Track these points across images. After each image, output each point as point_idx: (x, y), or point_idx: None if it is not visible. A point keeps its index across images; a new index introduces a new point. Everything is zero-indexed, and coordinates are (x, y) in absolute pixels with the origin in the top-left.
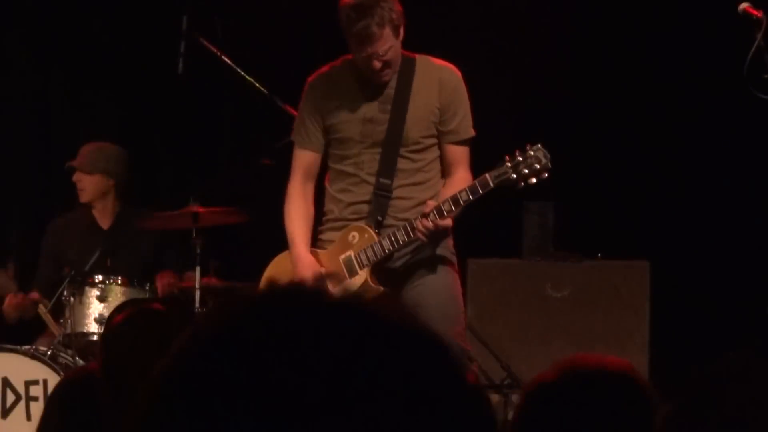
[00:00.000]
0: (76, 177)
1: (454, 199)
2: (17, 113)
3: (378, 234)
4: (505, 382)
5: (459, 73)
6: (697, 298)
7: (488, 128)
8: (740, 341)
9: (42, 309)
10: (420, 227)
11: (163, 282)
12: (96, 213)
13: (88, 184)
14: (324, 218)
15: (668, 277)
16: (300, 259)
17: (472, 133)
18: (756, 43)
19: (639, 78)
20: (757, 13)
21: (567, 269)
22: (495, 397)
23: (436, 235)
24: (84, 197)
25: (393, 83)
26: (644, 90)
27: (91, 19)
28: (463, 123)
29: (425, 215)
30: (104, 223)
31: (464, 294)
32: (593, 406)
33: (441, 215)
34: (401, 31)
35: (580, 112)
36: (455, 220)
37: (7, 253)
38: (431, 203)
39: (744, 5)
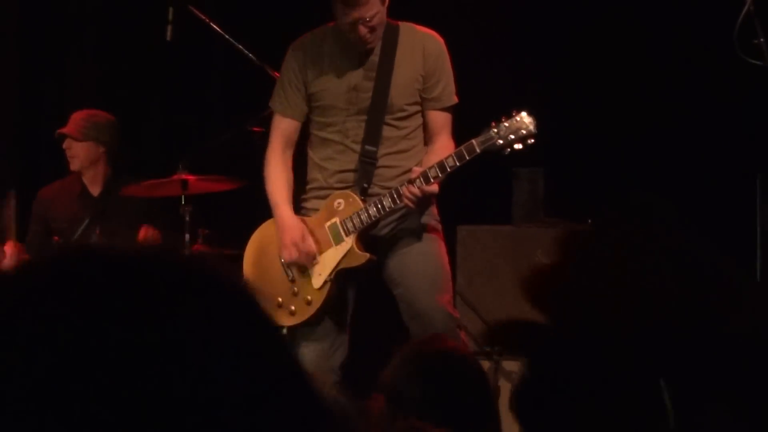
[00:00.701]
0: (67, 144)
1: (441, 165)
2: (3, 79)
3: (364, 201)
4: (495, 349)
5: (442, 41)
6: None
7: (475, 93)
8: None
9: None
10: (406, 193)
11: (145, 234)
12: (86, 180)
13: (78, 151)
14: (308, 186)
15: None
16: (285, 221)
17: (455, 100)
18: (746, 8)
19: (628, 44)
20: None
21: (557, 235)
22: (485, 364)
23: (423, 202)
24: (74, 165)
25: (377, 51)
26: (634, 55)
27: None
28: (447, 90)
29: (411, 181)
30: (94, 190)
31: (454, 261)
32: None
33: (427, 181)
34: None
35: (569, 77)
36: (441, 187)
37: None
38: (417, 169)
39: None
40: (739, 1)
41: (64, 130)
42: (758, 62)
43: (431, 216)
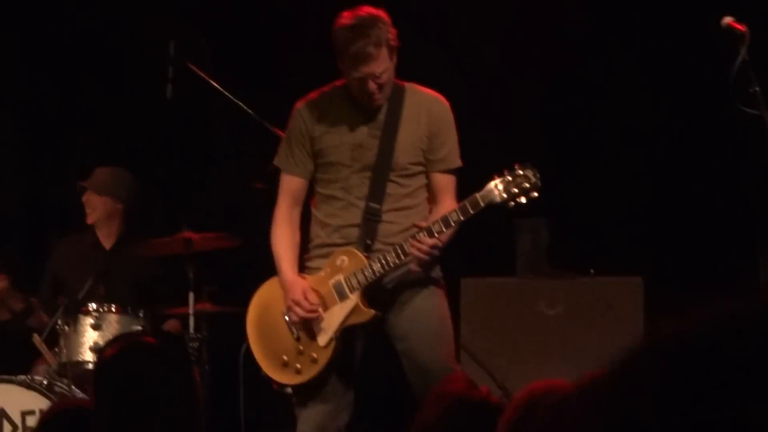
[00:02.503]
0: (86, 197)
1: (444, 220)
2: (11, 137)
3: (368, 257)
4: (502, 401)
5: (447, 104)
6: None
7: (478, 146)
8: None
9: (37, 338)
10: (410, 249)
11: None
12: (100, 234)
13: (97, 205)
14: (310, 244)
15: (662, 294)
16: (289, 283)
17: (459, 162)
18: (740, 58)
19: (627, 95)
20: (741, 28)
21: (561, 286)
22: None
23: (427, 257)
24: (91, 218)
25: (383, 110)
26: (633, 107)
27: (81, 45)
28: (451, 152)
29: (415, 236)
30: (107, 244)
31: (458, 313)
32: None
33: (431, 236)
34: (395, 54)
35: (573, 129)
36: (448, 244)
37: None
38: (421, 224)
39: (727, 20)
40: (733, 51)
41: (85, 183)
42: (754, 111)
43: (434, 270)
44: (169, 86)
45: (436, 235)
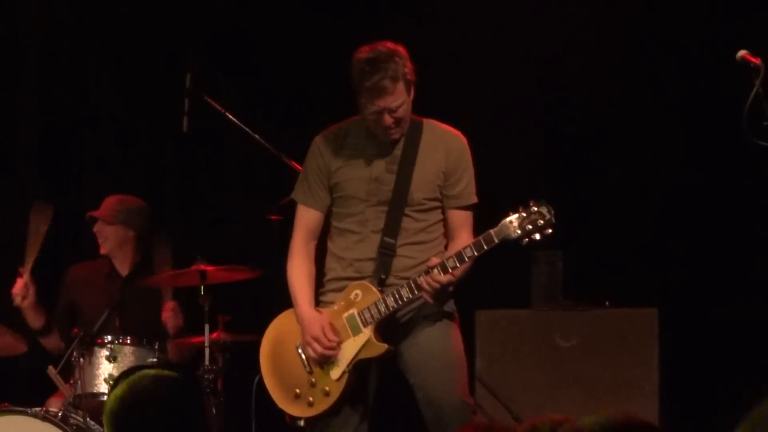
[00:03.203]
0: (97, 227)
1: (458, 256)
2: (24, 167)
3: (381, 291)
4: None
5: (465, 140)
6: (707, 345)
7: (493, 181)
8: (750, 388)
9: (52, 370)
10: (424, 284)
11: (169, 308)
12: (116, 263)
13: (108, 234)
14: (324, 278)
15: (677, 325)
16: (308, 319)
17: (475, 199)
18: (755, 90)
19: (642, 128)
20: (756, 60)
21: (575, 318)
22: None
23: (440, 292)
24: (104, 247)
25: (400, 144)
26: (647, 139)
27: (96, 78)
28: (468, 189)
29: (428, 271)
30: (123, 271)
31: (473, 345)
32: None
33: (445, 271)
34: (413, 89)
35: (587, 161)
36: (463, 279)
37: None
38: (435, 260)
39: (742, 52)
40: (747, 83)
41: (96, 214)
42: None
43: (447, 304)
44: (185, 119)
45: (450, 270)
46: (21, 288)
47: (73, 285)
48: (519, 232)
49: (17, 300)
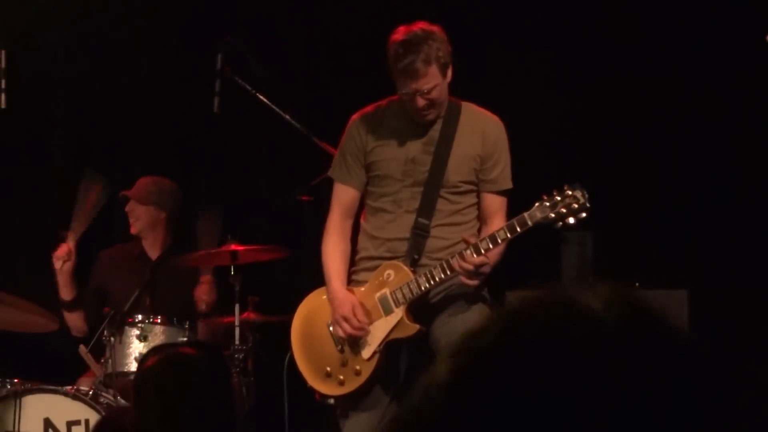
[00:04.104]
0: (129, 207)
1: (492, 237)
2: (58, 151)
3: (414, 272)
4: None
5: (502, 125)
6: (737, 327)
7: (528, 160)
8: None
9: (83, 349)
10: (456, 266)
11: (206, 281)
12: (146, 245)
13: (140, 214)
14: (357, 256)
15: (707, 306)
16: (336, 295)
17: (510, 185)
18: None
19: (673, 110)
20: None
21: None
22: None
23: (474, 274)
24: (135, 228)
25: (438, 126)
26: (679, 121)
27: (128, 58)
28: (503, 174)
29: (462, 253)
30: (153, 254)
31: None
32: None
33: (478, 253)
34: (449, 71)
35: (619, 142)
36: (497, 263)
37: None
38: (470, 239)
39: None
40: None
41: (128, 193)
42: None
43: (479, 289)
44: (216, 99)
45: (483, 252)
46: (65, 252)
47: (104, 269)
48: (553, 215)
49: (58, 264)
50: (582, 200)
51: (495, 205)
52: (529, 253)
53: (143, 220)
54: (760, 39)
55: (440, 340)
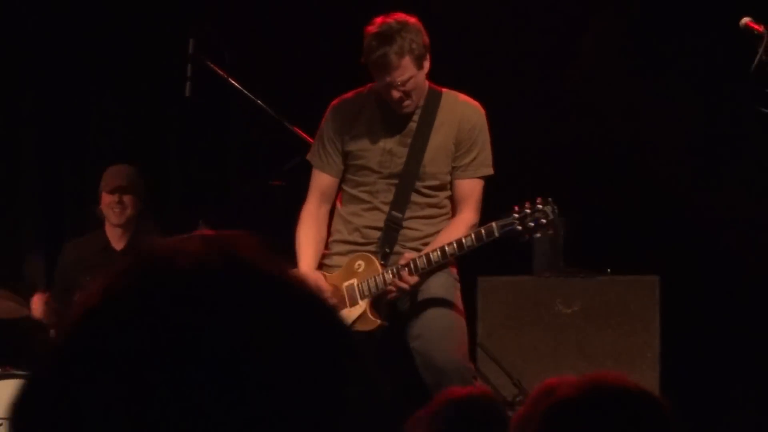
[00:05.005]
0: (124, 197)
1: (459, 243)
2: (26, 134)
3: (383, 266)
4: (517, 399)
5: (483, 111)
6: (708, 312)
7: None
8: (751, 356)
9: (53, 334)
10: (393, 282)
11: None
12: (112, 235)
13: (130, 203)
14: (330, 239)
15: (678, 292)
16: (302, 275)
17: (484, 172)
18: (758, 58)
19: (644, 95)
20: (759, 28)
21: (577, 285)
22: (507, 414)
23: (404, 292)
24: (122, 218)
25: (416, 116)
26: (650, 106)
27: (100, 43)
28: (477, 160)
29: (400, 271)
30: (118, 245)
31: (475, 312)
32: (616, 424)
33: (444, 257)
34: (425, 62)
35: (589, 127)
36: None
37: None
38: (410, 256)
39: (745, 20)
40: (752, 51)
41: (123, 183)
42: None
43: (449, 272)
44: (188, 84)
45: (448, 256)
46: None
47: (68, 260)
48: (520, 228)
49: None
50: (551, 216)
51: (464, 191)
52: (500, 241)
53: (132, 209)
54: (735, 25)
55: (411, 325)
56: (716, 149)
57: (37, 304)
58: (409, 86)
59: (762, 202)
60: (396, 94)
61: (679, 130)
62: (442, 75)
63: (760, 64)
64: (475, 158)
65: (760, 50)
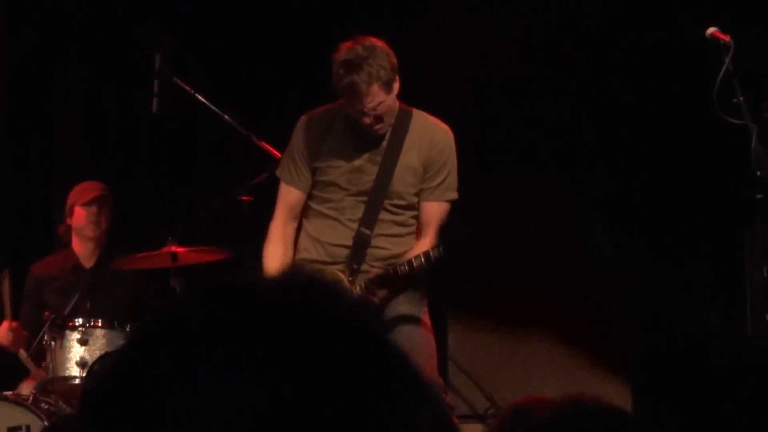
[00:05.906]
0: (98, 213)
1: (416, 258)
2: None
3: (351, 283)
4: (489, 412)
5: (451, 134)
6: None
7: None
8: (723, 365)
9: (23, 354)
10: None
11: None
12: (81, 252)
13: (103, 220)
14: (298, 257)
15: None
16: None
17: (450, 196)
18: (724, 68)
19: (611, 106)
20: (725, 38)
21: None
22: (478, 427)
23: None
24: (98, 231)
25: (386, 135)
26: (616, 117)
27: (65, 58)
28: (444, 184)
29: (370, 281)
30: (87, 263)
31: (446, 324)
32: None
33: (382, 285)
34: (395, 85)
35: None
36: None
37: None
38: (376, 272)
39: (711, 30)
40: (717, 61)
41: (101, 194)
42: (738, 121)
43: (419, 286)
44: (155, 99)
45: (406, 269)
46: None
47: (38, 280)
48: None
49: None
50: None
51: (431, 213)
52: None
53: (105, 224)
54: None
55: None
56: (683, 158)
57: (2, 332)
58: (379, 110)
59: (719, 205)
60: (367, 120)
61: (645, 139)
62: (415, 96)
63: (726, 74)
64: (443, 181)
65: (727, 60)
